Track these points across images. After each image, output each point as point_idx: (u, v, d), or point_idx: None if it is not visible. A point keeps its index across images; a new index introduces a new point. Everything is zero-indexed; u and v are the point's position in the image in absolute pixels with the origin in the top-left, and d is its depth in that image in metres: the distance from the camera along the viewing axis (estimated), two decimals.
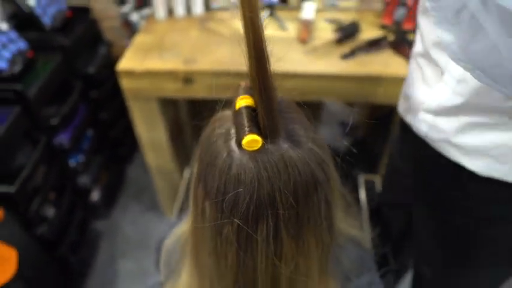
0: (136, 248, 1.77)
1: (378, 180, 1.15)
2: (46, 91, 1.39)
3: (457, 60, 0.41)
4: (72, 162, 1.62)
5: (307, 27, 1.39)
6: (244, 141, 0.40)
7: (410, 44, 1.32)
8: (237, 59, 1.22)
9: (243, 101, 0.43)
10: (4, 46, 1.32)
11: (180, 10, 1.55)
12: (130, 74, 1.31)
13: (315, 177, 0.45)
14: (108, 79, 1.70)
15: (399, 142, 0.94)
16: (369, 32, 1.40)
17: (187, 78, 1.29)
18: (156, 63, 1.31)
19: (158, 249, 0.75)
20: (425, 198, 0.85)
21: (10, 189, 1.20)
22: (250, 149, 0.41)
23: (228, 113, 0.48)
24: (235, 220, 0.43)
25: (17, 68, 1.33)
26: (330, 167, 0.49)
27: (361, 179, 1.13)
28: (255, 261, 0.47)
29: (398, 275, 1.10)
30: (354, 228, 0.68)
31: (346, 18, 1.48)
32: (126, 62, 1.33)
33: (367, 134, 1.90)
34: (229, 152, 0.43)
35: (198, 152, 0.48)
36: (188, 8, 1.57)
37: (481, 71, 0.39)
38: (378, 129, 1.77)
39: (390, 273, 0.86)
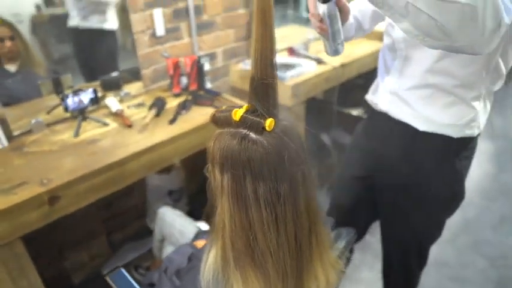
0: None
1: None
2: None
3: (413, 36, 0.67)
4: None
5: (122, 115, 1.58)
6: (267, 124, 0.60)
7: (204, 97, 1.73)
8: None
9: (240, 110, 0.64)
10: None
11: None
12: None
13: (282, 160, 0.64)
14: None
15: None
16: (171, 102, 1.74)
17: None
18: None
19: None
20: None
21: None
22: (269, 129, 0.61)
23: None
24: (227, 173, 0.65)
25: None
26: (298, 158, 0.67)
27: None
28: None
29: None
30: None
31: (142, 100, 1.76)
32: None
33: None
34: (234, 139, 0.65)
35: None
36: None
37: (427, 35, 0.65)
38: None
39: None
